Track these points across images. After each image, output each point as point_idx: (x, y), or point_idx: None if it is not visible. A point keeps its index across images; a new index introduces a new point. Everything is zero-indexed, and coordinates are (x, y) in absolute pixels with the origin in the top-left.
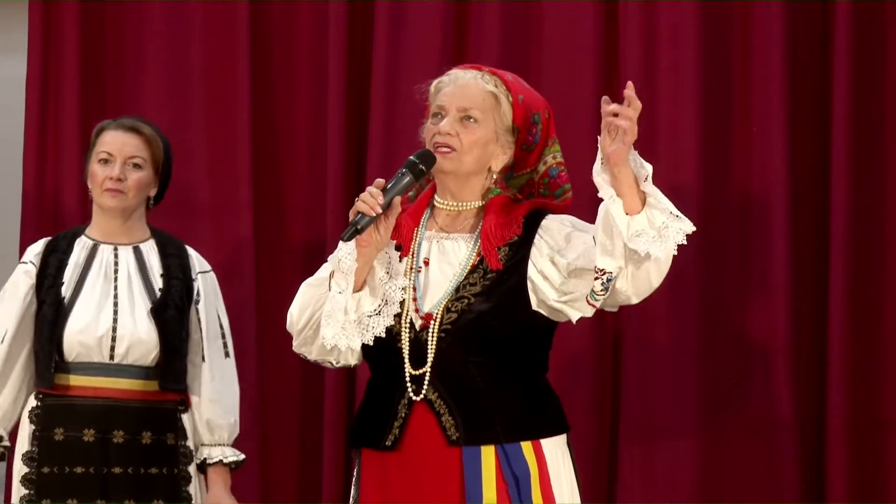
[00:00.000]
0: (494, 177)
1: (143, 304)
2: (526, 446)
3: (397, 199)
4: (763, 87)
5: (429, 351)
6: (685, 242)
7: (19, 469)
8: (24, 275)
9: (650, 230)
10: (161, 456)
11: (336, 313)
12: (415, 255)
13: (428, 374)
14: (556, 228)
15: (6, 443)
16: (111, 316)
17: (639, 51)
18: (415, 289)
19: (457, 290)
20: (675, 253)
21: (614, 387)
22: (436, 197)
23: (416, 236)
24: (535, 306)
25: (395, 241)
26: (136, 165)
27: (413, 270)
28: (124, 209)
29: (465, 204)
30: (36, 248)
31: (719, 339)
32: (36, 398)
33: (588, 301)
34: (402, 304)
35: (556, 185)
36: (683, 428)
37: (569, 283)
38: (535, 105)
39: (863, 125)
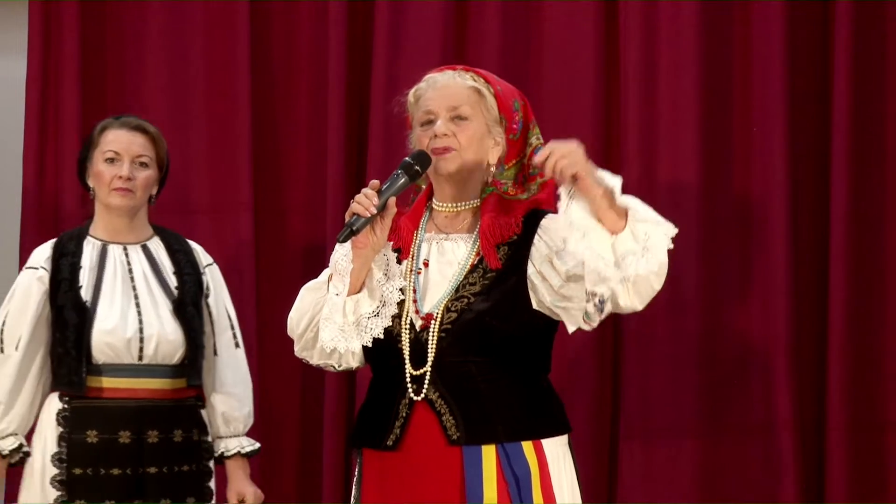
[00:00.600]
0: (492, 170)
1: (164, 303)
2: (527, 446)
3: (392, 201)
4: (763, 87)
5: (429, 351)
6: (672, 246)
7: (45, 470)
8: (37, 281)
9: (636, 246)
10: (190, 453)
11: (334, 315)
12: (415, 257)
13: (428, 373)
14: (554, 229)
15: (27, 448)
16: (136, 318)
17: (639, 51)
18: (415, 290)
19: (456, 289)
20: (667, 258)
21: (614, 387)
22: (434, 200)
23: (416, 238)
24: (535, 306)
25: (391, 243)
26: (143, 164)
27: (413, 272)
28: (132, 208)
29: (463, 204)
30: (44, 253)
31: (719, 339)
32: (61, 400)
33: (584, 320)
34: (402, 304)
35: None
36: (683, 428)
37: (567, 286)
38: (511, 93)
39: (863, 125)
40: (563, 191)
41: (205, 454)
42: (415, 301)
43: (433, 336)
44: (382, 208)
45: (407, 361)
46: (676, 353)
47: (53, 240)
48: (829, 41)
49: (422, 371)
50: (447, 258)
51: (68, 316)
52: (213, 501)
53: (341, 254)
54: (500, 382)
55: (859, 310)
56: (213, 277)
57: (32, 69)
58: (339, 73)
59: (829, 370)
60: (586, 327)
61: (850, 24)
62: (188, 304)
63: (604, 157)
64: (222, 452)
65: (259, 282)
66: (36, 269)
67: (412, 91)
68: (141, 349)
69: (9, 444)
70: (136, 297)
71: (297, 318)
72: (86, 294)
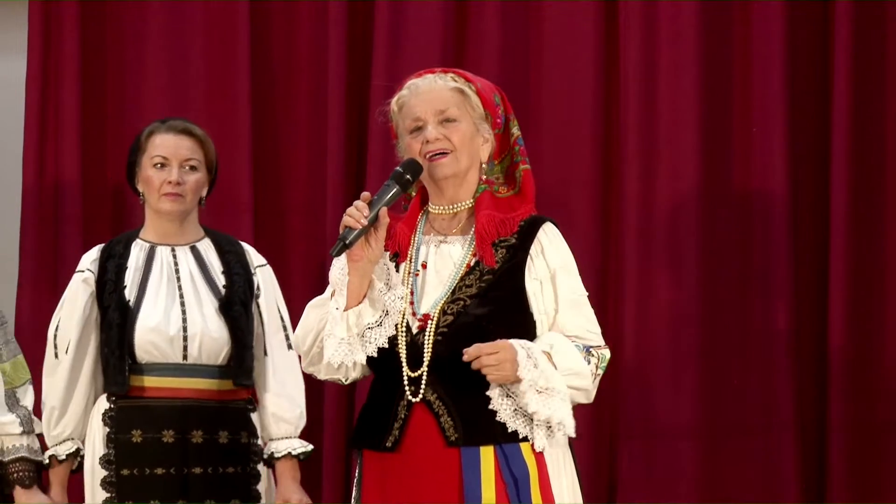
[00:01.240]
0: (484, 167)
1: (210, 302)
2: (525, 447)
3: (384, 211)
4: (763, 87)
5: (425, 353)
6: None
7: (94, 472)
8: (83, 283)
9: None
10: (236, 455)
11: (335, 330)
12: (413, 260)
13: (425, 375)
14: (550, 255)
15: (83, 451)
16: (180, 316)
17: (639, 51)
18: (412, 292)
19: (452, 291)
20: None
21: (614, 387)
22: (430, 204)
23: (414, 242)
24: (532, 309)
25: (389, 253)
26: (192, 167)
27: (411, 274)
28: (183, 212)
29: (459, 205)
30: (91, 256)
31: (719, 339)
32: (108, 401)
33: None
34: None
35: (524, 152)
36: (683, 428)
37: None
38: (490, 88)
39: (863, 125)
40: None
41: (253, 457)
42: (412, 303)
43: (429, 338)
44: (374, 220)
45: (404, 364)
46: (676, 353)
47: (103, 244)
48: (829, 41)
49: (419, 373)
50: (444, 260)
51: (112, 316)
52: None
53: (338, 268)
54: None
55: (859, 310)
56: (265, 278)
57: (32, 69)
58: (339, 73)
59: (830, 370)
60: None
61: (850, 24)
62: (235, 304)
63: (604, 157)
64: (272, 453)
65: None
66: (82, 271)
67: (394, 100)
68: (185, 348)
69: (65, 449)
70: (181, 296)
71: (302, 335)
72: (129, 294)
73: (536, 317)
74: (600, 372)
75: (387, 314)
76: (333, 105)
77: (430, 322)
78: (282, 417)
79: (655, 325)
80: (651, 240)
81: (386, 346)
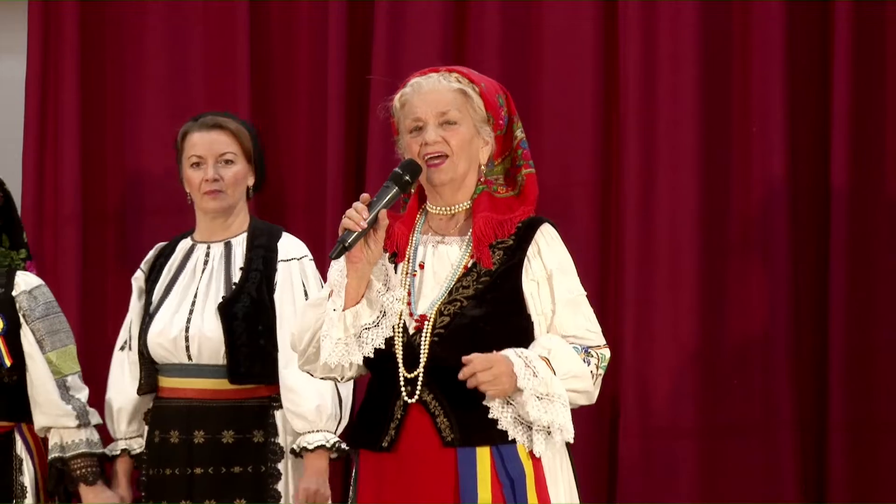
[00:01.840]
0: (483, 169)
1: (214, 301)
2: (521, 448)
3: (383, 213)
4: (763, 86)
5: (421, 354)
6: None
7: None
8: (135, 281)
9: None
10: (246, 454)
11: (332, 331)
12: (410, 260)
13: (421, 376)
14: (547, 256)
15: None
16: (186, 316)
17: (639, 50)
18: (409, 293)
19: (449, 292)
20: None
21: (614, 387)
22: (428, 204)
23: (412, 241)
24: (529, 310)
25: (388, 254)
26: (229, 161)
27: (408, 274)
28: (227, 207)
29: (457, 207)
30: (149, 254)
31: (719, 338)
32: (152, 401)
33: None
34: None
35: (528, 155)
36: (683, 428)
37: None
38: (494, 89)
39: (863, 125)
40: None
41: (271, 456)
42: (409, 304)
43: (425, 339)
44: (374, 221)
45: (400, 364)
46: (676, 353)
47: (164, 242)
48: (829, 41)
49: (415, 374)
50: (442, 260)
51: (143, 316)
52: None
53: (337, 269)
54: None
55: (859, 310)
56: (288, 273)
57: (32, 69)
58: (339, 73)
59: (830, 370)
60: None
61: (850, 24)
62: (240, 302)
63: (603, 157)
64: (292, 448)
65: None
66: (137, 271)
67: (397, 96)
68: (188, 348)
69: (138, 445)
70: (195, 296)
71: (299, 335)
72: (155, 296)
73: (534, 318)
74: (601, 372)
75: (384, 315)
76: (333, 105)
77: (426, 323)
78: (295, 413)
79: (655, 325)
80: (651, 239)
81: (382, 347)
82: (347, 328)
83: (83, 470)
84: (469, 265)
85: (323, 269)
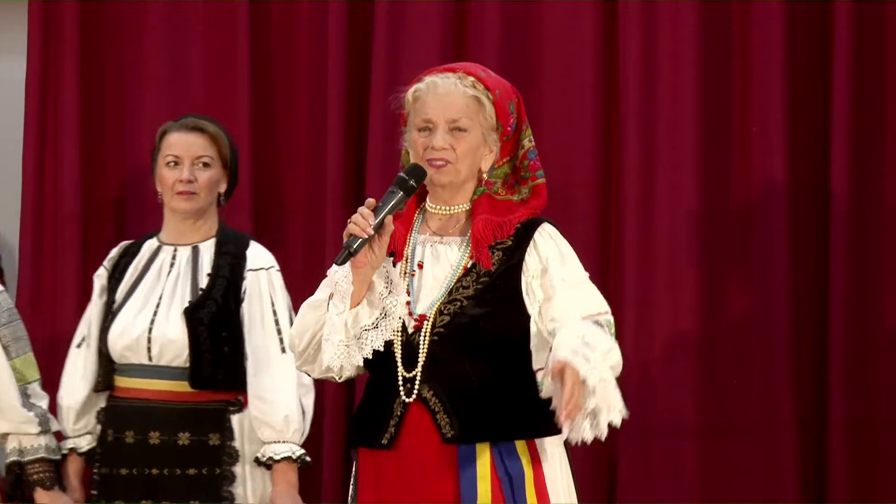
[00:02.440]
0: (484, 176)
1: (179, 305)
2: (520, 445)
3: (389, 218)
4: (763, 87)
5: (420, 353)
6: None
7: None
8: (97, 279)
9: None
10: (201, 456)
11: (335, 335)
12: (408, 260)
13: (419, 375)
14: (543, 249)
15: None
16: (150, 317)
17: (639, 50)
18: (408, 293)
19: (449, 292)
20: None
21: None
22: (427, 202)
23: (410, 241)
24: (529, 310)
25: (391, 257)
26: (205, 164)
27: (407, 275)
28: (197, 210)
29: (456, 208)
30: (112, 253)
31: (719, 338)
32: (106, 400)
33: None
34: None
35: (535, 167)
36: (683, 428)
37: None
38: (508, 95)
39: (863, 125)
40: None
41: (226, 459)
42: (408, 304)
43: (425, 338)
44: (379, 227)
45: (399, 364)
46: (676, 353)
47: (129, 241)
48: (829, 41)
49: (413, 373)
50: (441, 260)
51: (105, 315)
52: None
53: (341, 275)
54: (494, 381)
55: (859, 310)
56: (256, 282)
57: (32, 69)
58: (339, 73)
59: (829, 370)
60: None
61: (850, 24)
62: (206, 308)
63: (604, 157)
64: (257, 457)
65: None
66: (100, 268)
67: (411, 90)
68: (149, 349)
69: (86, 443)
70: (160, 297)
71: (298, 336)
72: (119, 295)
73: (531, 311)
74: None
75: (384, 316)
76: (333, 105)
77: (426, 323)
78: (262, 421)
79: (655, 325)
80: (651, 240)
81: (382, 348)
82: (348, 329)
83: (40, 475)
84: (468, 266)
85: (319, 270)
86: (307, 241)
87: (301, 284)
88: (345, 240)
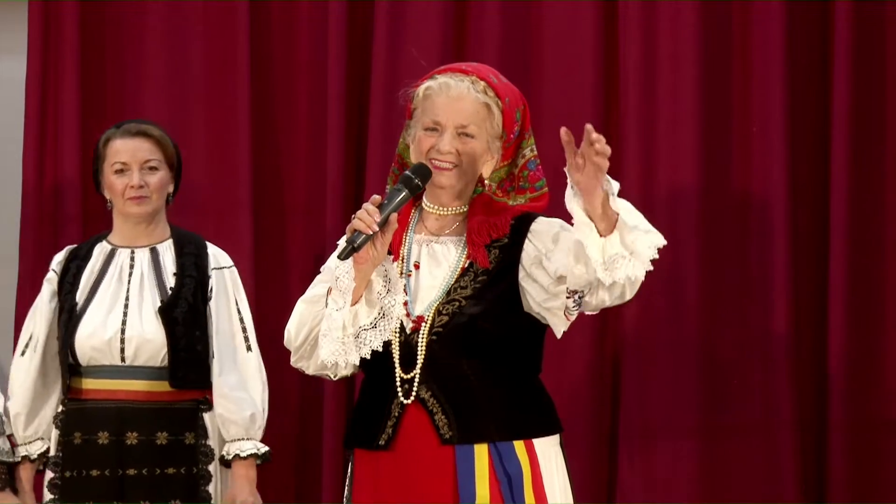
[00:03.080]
0: (486, 182)
1: (151, 305)
2: (518, 445)
3: (394, 216)
4: (763, 87)
5: (419, 353)
6: (657, 257)
7: (48, 475)
8: (47, 283)
9: (624, 251)
10: (179, 456)
11: (333, 331)
12: (405, 260)
13: (418, 376)
14: (544, 231)
15: (51, 452)
16: (120, 318)
17: (639, 50)
18: (406, 293)
19: (447, 293)
20: (645, 271)
21: (614, 387)
22: (424, 200)
23: (406, 240)
24: (526, 309)
25: (391, 256)
26: (153, 168)
27: (403, 275)
28: (150, 213)
29: (453, 209)
30: (59, 257)
31: (719, 339)
32: (62, 404)
33: (565, 315)
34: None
35: (535, 177)
36: (683, 428)
37: (556, 285)
38: (516, 103)
39: (863, 125)
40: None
41: (201, 458)
42: (405, 304)
43: (423, 339)
44: (384, 224)
45: (397, 365)
46: (676, 353)
47: (74, 245)
48: (829, 41)
49: (411, 375)
50: (437, 260)
51: (63, 318)
52: None
53: (343, 270)
54: (492, 382)
55: (859, 310)
56: (221, 281)
57: (32, 69)
58: (339, 73)
59: (829, 370)
60: (565, 325)
61: (850, 24)
62: (178, 307)
63: None
64: (222, 455)
65: (258, 281)
66: (49, 272)
67: (422, 87)
68: (122, 350)
69: (36, 449)
70: (126, 298)
71: (295, 331)
72: (79, 297)
73: (532, 304)
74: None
75: (382, 316)
76: (333, 105)
77: (423, 324)
78: (229, 419)
79: (655, 325)
80: None
81: (380, 349)
82: (346, 327)
83: None
84: (466, 266)
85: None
86: (307, 241)
87: (301, 284)
88: (348, 235)
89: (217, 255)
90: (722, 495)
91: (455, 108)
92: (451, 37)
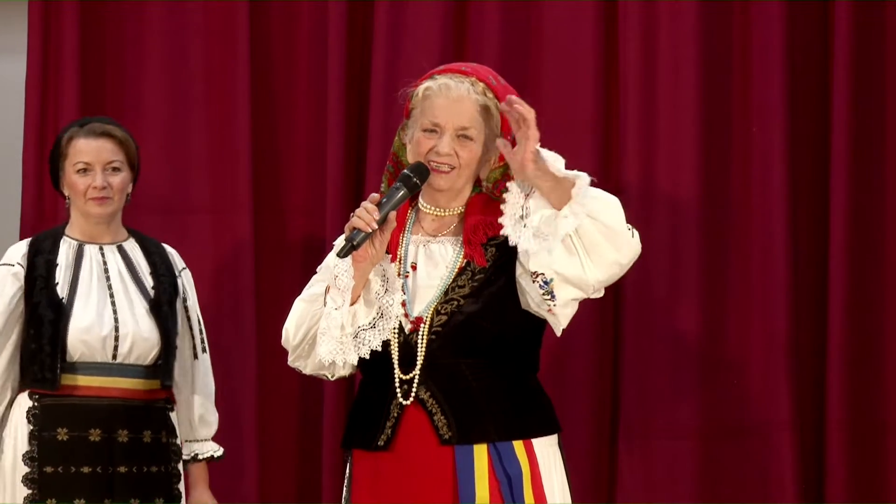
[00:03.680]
0: (484, 183)
1: (140, 303)
2: (518, 445)
3: (392, 214)
4: (763, 87)
5: (418, 354)
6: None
7: (16, 468)
8: (12, 276)
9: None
10: (158, 454)
11: (332, 330)
12: (402, 261)
13: (417, 377)
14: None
15: (21, 448)
16: (112, 315)
17: (639, 51)
18: (403, 293)
19: (445, 292)
20: (623, 227)
21: (614, 387)
22: (421, 201)
23: (403, 241)
24: (523, 306)
25: (390, 255)
26: (116, 169)
27: (401, 276)
28: (111, 213)
29: (450, 210)
30: (20, 250)
31: (719, 339)
32: (31, 398)
33: (550, 311)
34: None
35: None
36: (683, 428)
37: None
38: None
39: (863, 125)
40: (513, 184)
41: (173, 456)
42: (403, 305)
43: (422, 339)
44: (383, 222)
45: (396, 366)
46: (676, 353)
47: (29, 238)
48: (829, 41)
49: (410, 375)
50: (435, 261)
51: (44, 312)
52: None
53: (341, 269)
54: (490, 382)
55: (859, 310)
56: (188, 281)
57: (32, 69)
58: (339, 73)
59: (829, 370)
60: (562, 321)
61: (850, 24)
62: (164, 305)
63: (603, 157)
64: (196, 455)
65: (258, 282)
66: (11, 265)
67: (422, 87)
68: (115, 347)
69: None
70: (111, 295)
71: (293, 330)
72: (62, 291)
73: (522, 301)
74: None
75: (381, 316)
76: (333, 105)
77: (422, 325)
78: (207, 420)
79: (655, 325)
80: (650, 240)
81: (379, 349)
82: (344, 327)
83: None
84: (463, 265)
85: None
86: (307, 241)
87: (301, 284)
88: (346, 233)
89: (176, 257)
90: (721, 495)
91: (455, 111)
92: (451, 37)
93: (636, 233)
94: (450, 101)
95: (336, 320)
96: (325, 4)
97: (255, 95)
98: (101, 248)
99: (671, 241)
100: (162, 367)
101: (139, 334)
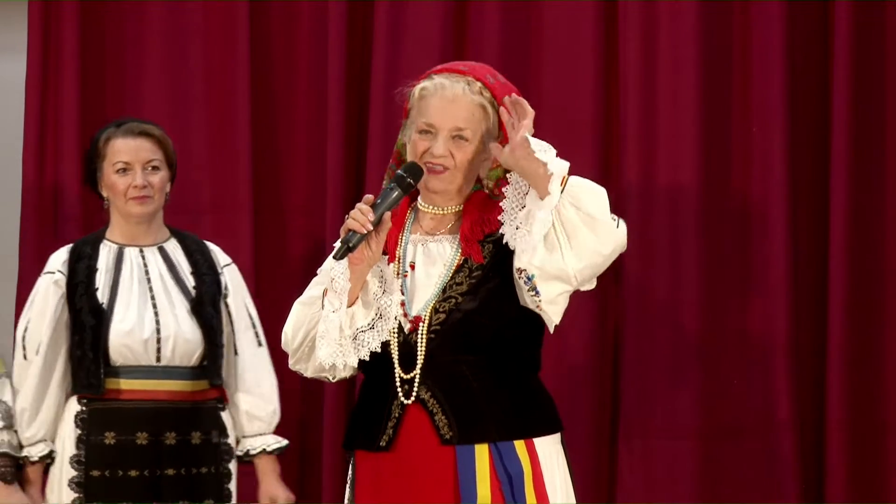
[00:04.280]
0: (484, 181)
1: (181, 304)
2: (519, 445)
3: (387, 215)
4: (763, 87)
5: (418, 353)
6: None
7: (63, 472)
8: (54, 285)
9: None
10: (208, 455)
11: (330, 332)
12: (401, 260)
13: (418, 376)
14: None
15: (56, 453)
16: (153, 318)
17: (639, 51)
18: (402, 293)
19: (443, 290)
20: (608, 217)
21: (614, 387)
22: (419, 201)
23: (401, 241)
24: (522, 303)
25: (387, 256)
26: (155, 168)
27: (400, 275)
28: (152, 213)
29: (449, 209)
30: (61, 257)
31: (719, 339)
32: (80, 403)
33: (538, 307)
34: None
35: None
36: (683, 428)
37: None
38: None
39: (863, 125)
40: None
41: (224, 456)
42: (402, 304)
43: (422, 338)
44: (378, 223)
45: (396, 365)
46: (676, 353)
47: (70, 245)
48: (829, 41)
49: (411, 375)
50: (433, 259)
51: (85, 319)
52: (234, 503)
53: (338, 271)
54: (491, 381)
55: (859, 310)
56: (232, 277)
57: (32, 69)
58: (339, 73)
59: (829, 370)
60: (554, 317)
61: (850, 24)
62: (206, 304)
63: (603, 157)
64: (248, 451)
65: (258, 282)
66: (53, 273)
67: (418, 87)
68: (159, 350)
69: (38, 451)
70: (152, 298)
71: (292, 333)
72: (102, 296)
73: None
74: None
75: (379, 317)
76: (333, 105)
77: (421, 324)
78: (255, 415)
79: (655, 325)
80: (650, 240)
81: (379, 350)
82: (343, 329)
83: (2, 469)
84: (461, 262)
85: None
86: (307, 241)
87: (301, 285)
88: (342, 235)
89: (218, 253)
90: (721, 495)
91: (449, 111)
92: (451, 37)
93: (622, 223)
94: (445, 102)
95: (334, 323)
96: (325, 4)
97: (255, 95)
98: (141, 251)
99: (671, 240)
100: (208, 366)
101: (181, 336)
